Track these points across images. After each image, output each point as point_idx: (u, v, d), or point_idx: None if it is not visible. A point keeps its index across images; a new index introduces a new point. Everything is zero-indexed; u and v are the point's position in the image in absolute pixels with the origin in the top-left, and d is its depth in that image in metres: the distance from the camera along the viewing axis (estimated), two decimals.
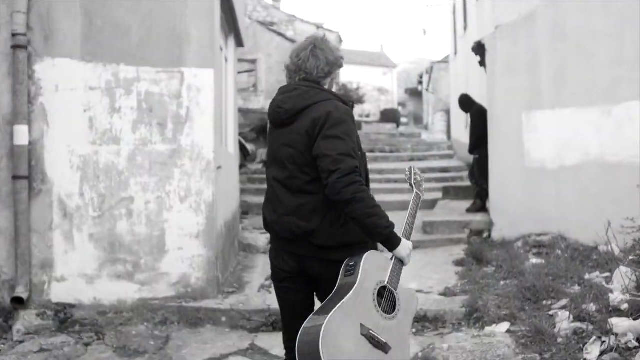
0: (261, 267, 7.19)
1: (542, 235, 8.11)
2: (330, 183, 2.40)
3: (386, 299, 2.49)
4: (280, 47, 18.69)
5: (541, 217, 8.16)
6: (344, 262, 2.53)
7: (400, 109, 41.44)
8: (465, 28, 15.73)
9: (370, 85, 38.66)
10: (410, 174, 3.07)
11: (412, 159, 18.58)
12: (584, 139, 8.02)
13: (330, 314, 2.29)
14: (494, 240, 8.33)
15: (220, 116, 6.13)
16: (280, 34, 19.04)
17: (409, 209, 2.78)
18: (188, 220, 5.40)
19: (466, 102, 9.96)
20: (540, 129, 8.22)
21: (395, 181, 13.97)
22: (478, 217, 8.69)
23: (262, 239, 8.41)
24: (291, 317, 2.71)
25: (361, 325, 2.35)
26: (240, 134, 21.12)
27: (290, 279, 2.67)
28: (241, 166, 10.71)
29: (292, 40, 19.04)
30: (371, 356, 2.35)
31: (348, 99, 2.80)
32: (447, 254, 7.71)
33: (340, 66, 2.74)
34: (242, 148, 10.41)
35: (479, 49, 8.83)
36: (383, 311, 2.45)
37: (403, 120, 39.86)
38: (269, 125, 2.80)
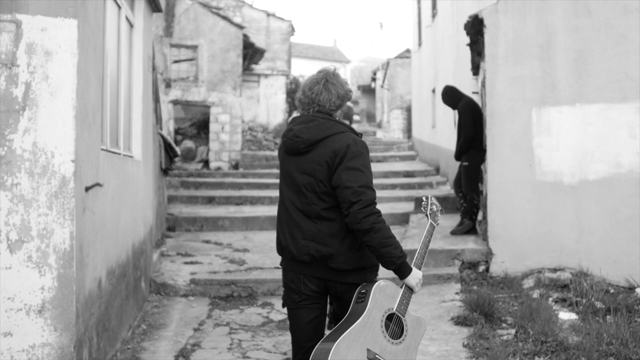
0: (175, 326, 4.80)
1: (558, 270, 6.03)
2: (351, 213, 2.53)
3: (394, 324, 2.58)
4: (225, 33, 16.18)
5: (556, 246, 6.09)
6: (357, 289, 2.63)
7: (352, 106, 39.40)
8: (433, 16, 13.66)
9: None
10: (427, 203, 2.99)
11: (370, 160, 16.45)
12: (613, 145, 5.98)
13: (339, 340, 2.41)
14: (493, 276, 6.20)
15: (99, 101, 3.70)
16: (225, 18, 16.46)
17: (422, 239, 2.84)
18: (24, 284, 2.98)
19: (452, 95, 7.74)
20: (556, 131, 6.14)
21: None
22: (471, 245, 6.57)
23: (186, 272, 6.01)
24: (303, 338, 2.73)
25: (368, 350, 2.44)
26: (179, 130, 18.60)
27: (310, 299, 2.70)
28: (166, 171, 8.22)
29: (239, 26, 16.55)
30: None
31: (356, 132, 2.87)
32: (438, 300, 5.52)
33: (350, 99, 2.86)
34: (168, 148, 7.90)
35: (474, 25, 6.67)
36: (390, 336, 2.53)
37: (355, 117, 37.85)
38: (280, 152, 2.85)
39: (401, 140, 22.68)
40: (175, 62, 15.99)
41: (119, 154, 4.52)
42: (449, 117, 12.05)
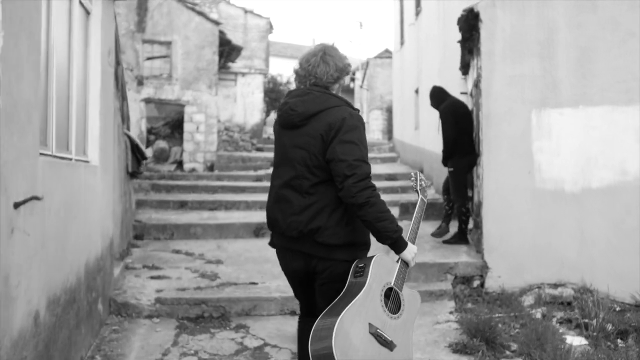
0: (135, 356, 4.15)
1: (559, 286, 5.55)
2: (345, 187, 2.46)
3: (392, 299, 2.54)
4: (201, 29, 15.46)
5: (557, 259, 5.60)
6: (354, 264, 2.58)
7: None
8: (417, 13, 13.16)
9: None
10: (416, 179, 3.02)
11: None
12: (619, 150, 5.52)
13: (342, 314, 2.34)
14: (488, 291, 5.69)
15: (37, 98, 3.05)
16: (200, 13, 15.73)
17: (414, 215, 2.84)
18: None
19: (437, 96, 7.23)
20: (557, 135, 5.65)
21: None
22: (464, 257, 6.04)
23: (151, 289, 5.36)
24: (303, 298, 2.83)
25: (369, 324, 2.40)
26: (152, 130, 17.75)
27: (298, 276, 2.74)
28: (134, 174, 7.54)
29: (215, 22, 15.83)
30: (379, 354, 2.40)
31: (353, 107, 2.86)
32: (431, 322, 4.97)
33: (348, 73, 2.75)
34: (135, 150, 7.23)
35: (468, 20, 6.14)
36: (389, 311, 2.50)
37: None
38: (275, 126, 2.80)
39: (381, 141, 22.20)
40: (149, 59, 15.24)
41: (70, 159, 3.87)
42: (432, 118, 11.56)
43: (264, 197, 10.72)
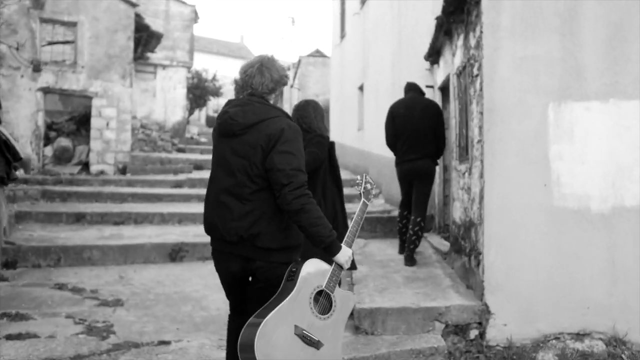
0: None
1: (584, 336, 4.14)
2: (282, 194, 2.53)
3: (323, 301, 2.62)
4: (113, 10, 13.25)
5: (581, 301, 4.18)
6: (289, 267, 2.62)
7: None
8: (363, 1, 11.69)
9: (229, 77, 33.73)
10: (362, 181, 3.04)
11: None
12: None
13: (267, 317, 2.45)
14: (491, 345, 4.18)
15: None
16: None
17: (355, 217, 2.82)
18: None
19: (420, 91, 5.89)
20: (581, 137, 4.23)
21: None
22: (456, 299, 4.47)
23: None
24: (236, 299, 2.89)
25: (295, 326, 2.50)
26: (54, 125, 14.98)
27: (234, 278, 2.77)
28: (2, 180, 5.48)
29: (131, 3, 13.65)
30: (304, 353, 2.52)
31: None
32: None
33: (285, 84, 2.80)
34: (4, 149, 5.21)
35: None
36: (319, 312, 2.59)
37: None
38: (214, 133, 2.82)
39: None
40: (50, 44, 12.85)
41: None
42: (380, 118, 10.10)
43: (184, 208, 8.81)
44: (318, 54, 27.62)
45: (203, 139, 19.42)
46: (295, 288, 2.52)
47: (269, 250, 2.62)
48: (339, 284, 2.71)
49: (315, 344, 2.55)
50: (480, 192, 4.39)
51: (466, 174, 5.04)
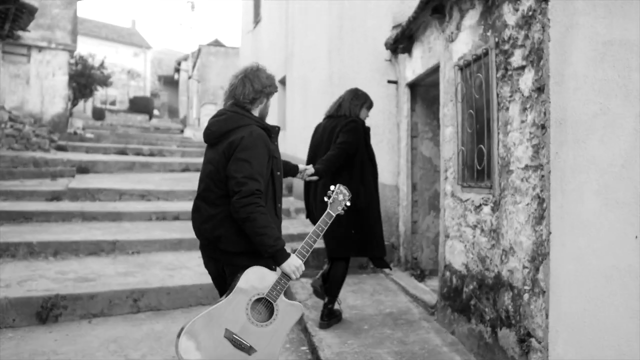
0: None
1: None
2: (232, 202, 2.55)
3: (262, 308, 2.58)
4: None
5: None
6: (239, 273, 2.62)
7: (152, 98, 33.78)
8: None
9: (119, 66, 30.37)
10: (334, 191, 2.86)
11: (186, 169, 12.10)
12: None
13: (195, 318, 2.47)
14: None
15: None
16: None
17: (314, 228, 2.71)
18: None
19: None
20: None
21: (176, 217, 7.45)
22: None
23: None
24: (220, 289, 2.91)
25: (226, 329, 2.49)
26: None
27: (215, 276, 2.87)
28: None
29: None
30: (232, 356, 2.49)
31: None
32: None
33: (269, 94, 2.85)
34: None
35: None
36: (255, 319, 2.54)
37: (155, 112, 32.47)
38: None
39: None
40: None
41: None
42: (310, 117, 8.41)
43: (64, 232, 6.52)
44: (219, 44, 25.38)
45: (89, 135, 16.59)
46: (233, 291, 2.52)
47: (230, 254, 2.66)
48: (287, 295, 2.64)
49: (246, 349, 2.51)
50: (539, 247, 2.81)
51: (483, 208, 3.47)
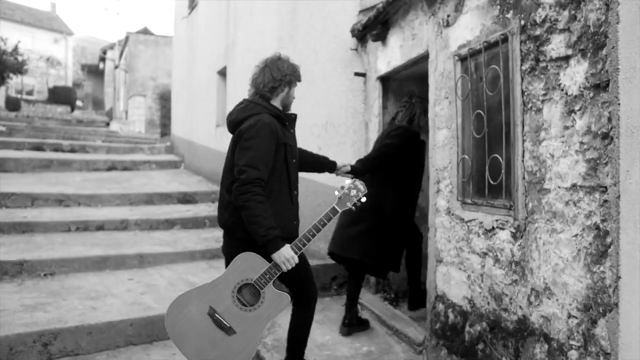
0: None
1: None
2: (233, 189, 2.59)
3: (251, 293, 2.59)
4: None
5: None
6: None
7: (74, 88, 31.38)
8: None
9: (36, 52, 27.90)
10: (349, 185, 2.73)
11: (112, 168, 10.82)
12: None
13: (186, 291, 2.61)
14: None
15: None
16: None
17: (315, 222, 2.62)
18: None
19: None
20: None
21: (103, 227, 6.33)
22: None
23: None
24: None
25: (210, 306, 2.56)
26: None
27: (228, 259, 2.82)
28: None
29: None
30: (213, 333, 2.55)
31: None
32: None
33: (289, 82, 2.83)
34: None
35: None
36: (240, 302, 2.57)
37: (78, 103, 30.22)
38: None
39: (148, 137, 17.13)
40: None
41: None
42: None
43: None
44: (149, 32, 23.81)
45: (1, 127, 14.81)
46: (223, 273, 2.59)
47: (243, 241, 2.63)
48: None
49: (225, 329, 2.54)
50: (598, 294, 2.11)
51: (499, 233, 2.76)
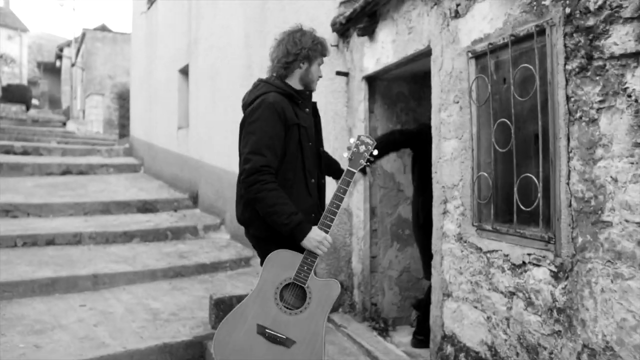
0: None
1: None
2: (241, 181, 2.29)
3: (294, 294, 2.24)
4: None
5: None
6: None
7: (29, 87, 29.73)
8: None
9: None
10: (354, 142, 2.37)
11: (67, 172, 9.89)
12: None
13: (223, 321, 2.24)
14: None
15: None
16: None
17: (335, 192, 2.27)
18: None
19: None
20: None
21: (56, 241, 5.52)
22: None
23: None
24: None
25: (257, 325, 2.21)
26: None
27: None
28: None
29: None
30: (271, 351, 2.19)
31: None
32: None
33: (308, 57, 2.41)
34: None
35: None
36: (287, 307, 2.23)
37: (34, 102, 28.62)
38: None
39: (106, 137, 16.12)
40: None
41: None
42: (220, 114, 6.83)
43: None
44: (106, 29, 22.66)
45: None
46: (257, 284, 2.24)
47: (257, 239, 2.39)
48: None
49: (283, 342, 2.19)
50: None
51: (533, 270, 2.20)
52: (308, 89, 2.46)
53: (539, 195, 2.18)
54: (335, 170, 2.73)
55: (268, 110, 2.28)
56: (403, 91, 4.12)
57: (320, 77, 2.50)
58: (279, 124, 2.28)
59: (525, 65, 2.24)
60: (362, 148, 2.34)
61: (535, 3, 2.19)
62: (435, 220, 2.95)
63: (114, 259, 5.33)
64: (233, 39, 6.40)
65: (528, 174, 2.24)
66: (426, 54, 3.10)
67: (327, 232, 2.23)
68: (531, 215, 2.24)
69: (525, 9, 2.24)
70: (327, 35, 4.37)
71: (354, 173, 2.30)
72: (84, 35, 20.41)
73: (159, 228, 6.46)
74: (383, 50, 3.60)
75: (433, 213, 2.98)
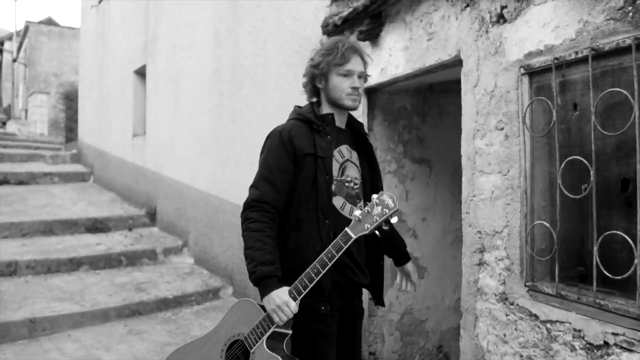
0: None
1: None
2: None
3: (241, 353, 1.96)
4: None
5: None
6: None
7: None
8: None
9: None
10: (375, 201, 1.89)
11: (4, 182, 8.91)
12: None
13: (171, 353, 2.11)
14: None
15: None
16: None
17: (321, 255, 1.88)
18: None
19: None
20: None
21: None
22: None
23: None
24: None
25: None
26: None
27: None
28: None
29: None
30: None
31: None
32: None
33: (322, 73, 2.10)
34: None
35: None
36: None
37: None
38: None
39: (51, 140, 15.01)
40: None
41: None
42: (183, 121, 6.16)
43: None
44: (52, 22, 21.46)
45: None
46: (215, 326, 2.05)
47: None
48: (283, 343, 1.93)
49: None
50: None
51: (619, 355, 1.69)
52: (340, 107, 2.11)
53: (636, 261, 1.67)
54: (394, 250, 2.30)
55: (272, 140, 2.09)
56: (405, 105, 3.60)
57: (355, 87, 2.07)
58: (283, 154, 2.04)
59: (615, 89, 1.73)
60: (377, 210, 1.88)
61: (629, 8, 1.68)
62: (466, 271, 2.43)
63: (56, 295, 4.59)
64: (199, 38, 5.74)
65: (617, 232, 1.73)
66: (450, 65, 2.57)
67: (295, 298, 1.86)
68: (620, 284, 1.74)
69: (614, 16, 1.74)
70: (314, 37, 3.81)
71: (351, 238, 1.87)
72: (27, 28, 19.14)
73: (111, 253, 5.72)
74: (391, 58, 3.05)
75: (463, 263, 2.45)
